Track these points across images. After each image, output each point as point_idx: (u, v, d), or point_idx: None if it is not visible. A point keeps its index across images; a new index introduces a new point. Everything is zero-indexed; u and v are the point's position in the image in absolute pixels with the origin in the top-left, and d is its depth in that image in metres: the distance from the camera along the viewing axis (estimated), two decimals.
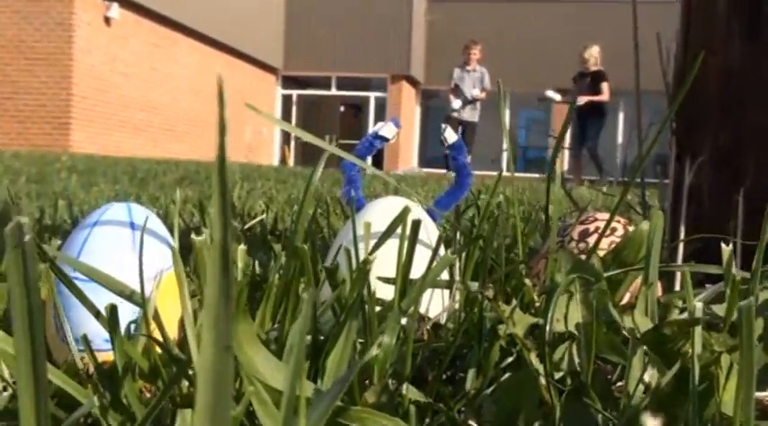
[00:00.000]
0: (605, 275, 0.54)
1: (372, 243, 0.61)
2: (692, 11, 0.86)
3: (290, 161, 20.28)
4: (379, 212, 0.64)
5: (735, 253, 0.78)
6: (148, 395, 0.54)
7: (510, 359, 0.54)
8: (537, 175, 20.42)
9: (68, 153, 11.69)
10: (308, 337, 0.55)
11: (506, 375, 0.53)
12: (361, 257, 0.56)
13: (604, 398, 0.48)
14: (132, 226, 0.62)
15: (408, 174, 12.54)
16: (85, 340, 0.54)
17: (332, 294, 0.56)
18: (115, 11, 13.67)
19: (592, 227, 0.72)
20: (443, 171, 20.58)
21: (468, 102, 10.98)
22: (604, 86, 10.39)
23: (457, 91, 10.97)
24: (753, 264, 0.51)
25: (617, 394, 0.53)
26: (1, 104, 13.31)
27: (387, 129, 0.66)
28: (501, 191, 2.78)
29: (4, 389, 0.54)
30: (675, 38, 0.92)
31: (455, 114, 11.09)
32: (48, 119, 13.33)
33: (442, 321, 0.59)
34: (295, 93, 20.39)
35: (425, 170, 20.54)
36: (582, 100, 10.24)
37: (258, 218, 0.99)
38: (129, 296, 0.54)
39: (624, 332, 0.44)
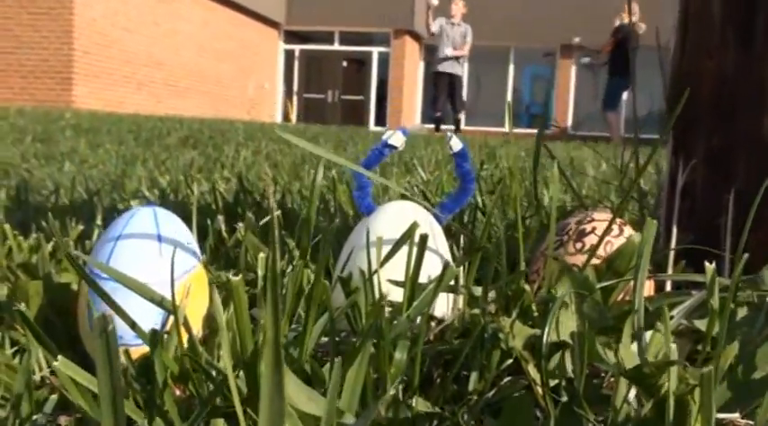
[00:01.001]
0: (598, 286, 0.59)
1: (384, 248, 0.65)
2: (688, 14, 0.89)
3: (293, 116, 20.23)
4: (389, 219, 0.68)
5: (724, 254, 0.82)
6: (178, 393, 0.59)
7: (509, 361, 0.59)
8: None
9: (72, 109, 11.69)
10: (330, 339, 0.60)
11: (507, 378, 0.58)
12: (373, 266, 0.60)
13: (597, 403, 0.53)
14: (159, 237, 0.66)
15: (412, 131, 12.56)
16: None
17: (346, 301, 0.60)
18: None
19: (589, 227, 0.76)
20: (446, 126, 20.51)
21: (449, 57, 11.25)
22: (611, 40, 10.33)
23: (440, 41, 11.39)
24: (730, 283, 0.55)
25: (608, 392, 0.58)
26: (4, 59, 13.25)
27: (395, 138, 0.70)
28: (502, 164, 2.81)
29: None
30: (673, 35, 0.95)
31: (440, 68, 11.41)
32: (51, 74, 13.29)
33: (447, 321, 0.64)
34: (297, 47, 20.24)
35: (429, 126, 20.50)
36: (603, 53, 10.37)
37: (270, 216, 1.02)
38: (160, 302, 0.59)
39: (610, 365, 0.48)
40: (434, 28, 11.10)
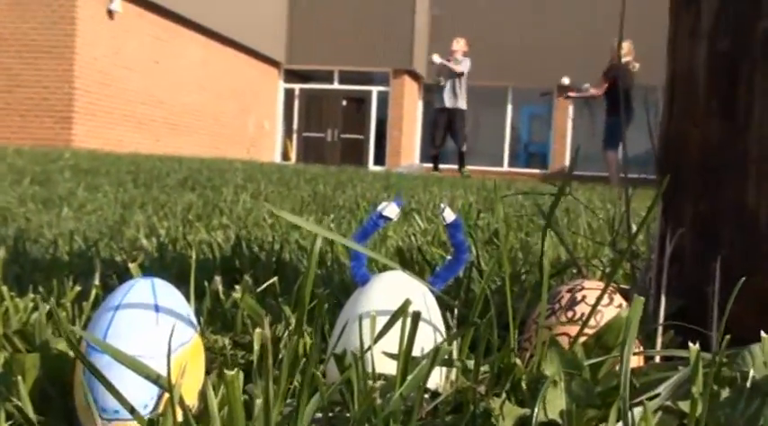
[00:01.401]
0: (587, 363, 0.60)
1: (380, 319, 0.66)
2: (675, 80, 0.91)
3: (293, 155, 20.32)
4: (383, 290, 0.70)
5: (712, 317, 0.84)
6: None
7: None
8: (538, 171, 20.46)
9: (71, 148, 11.75)
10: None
11: None
12: (366, 342, 0.61)
13: None
14: (157, 308, 0.67)
15: (410, 172, 12.60)
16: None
17: (340, 377, 0.61)
18: (118, 4, 13.71)
19: (579, 296, 0.77)
20: (445, 165, 20.61)
21: (450, 89, 11.45)
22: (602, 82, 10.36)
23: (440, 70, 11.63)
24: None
25: None
26: (3, 98, 13.35)
27: (390, 210, 0.72)
28: (496, 217, 2.82)
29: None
30: (662, 99, 0.97)
31: (438, 104, 11.66)
32: (50, 113, 13.38)
33: (441, 397, 0.65)
34: (297, 86, 20.41)
35: (427, 165, 20.58)
36: (588, 93, 10.38)
37: (270, 281, 1.03)
38: (156, 380, 0.60)
39: None
40: (435, 72, 11.41)
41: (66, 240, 2.18)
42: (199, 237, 2.25)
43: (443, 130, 11.61)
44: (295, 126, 20.34)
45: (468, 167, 20.80)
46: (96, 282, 1.09)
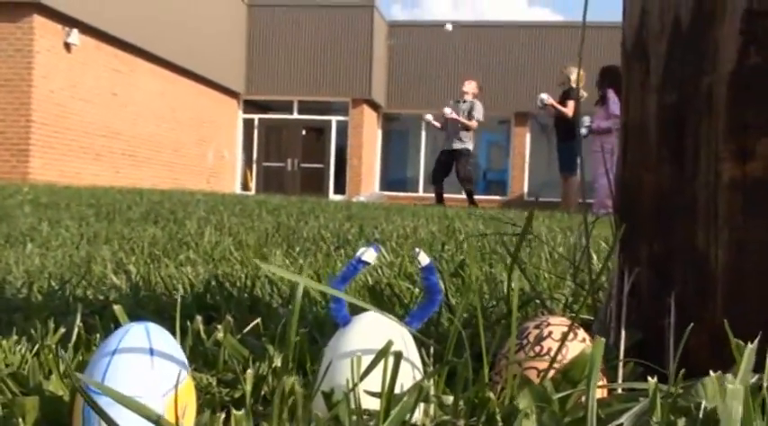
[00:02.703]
0: (556, 396, 0.66)
1: (363, 358, 0.71)
2: (628, 128, 0.98)
3: (252, 185, 20.29)
4: (364, 331, 0.75)
5: (668, 350, 0.90)
6: None
7: None
8: (498, 197, 20.67)
9: (28, 182, 11.61)
10: None
11: None
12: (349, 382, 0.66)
13: None
14: (151, 352, 0.72)
15: (370, 201, 12.69)
16: None
17: (328, 413, 0.66)
18: (75, 37, 13.66)
19: (546, 332, 0.83)
20: (404, 193, 20.71)
21: (451, 132, 11.53)
22: (569, 103, 10.45)
23: (445, 124, 11.50)
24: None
25: None
26: None
27: (368, 255, 0.77)
28: (461, 240, 2.88)
29: None
30: (617, 146, 1.04)
31: (445, 147, 11.62)
32: (6, 146, 13.23)
33: None
34: (257, 117, 20.45)
35: (387, 193, 20.70)
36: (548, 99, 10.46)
37: (253, 323, 1.07)
38: (157, 420, 0.64)
39: None
40: (447, 113, 11.42)
41: (36, 276, 2.19)
42: (168, 272, 2.27)
43: (441, 171, 11.74)
44: (255, 156, 20.34)
45: (429, 195, 20.94)
46: (78, 322, 1.12)
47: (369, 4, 19.90)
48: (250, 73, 19.77)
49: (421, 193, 20.85)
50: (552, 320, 0.85)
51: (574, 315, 0.86)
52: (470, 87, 11.72)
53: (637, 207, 0.95)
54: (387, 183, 21.47)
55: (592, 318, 1.25)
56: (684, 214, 0.88)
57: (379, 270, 2.11)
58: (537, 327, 0.85)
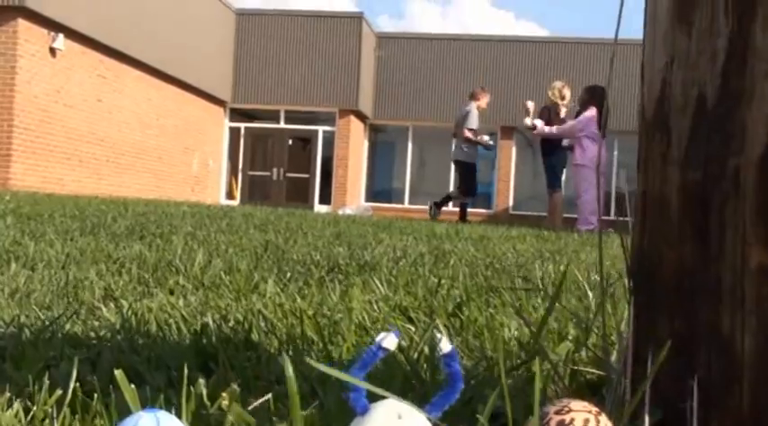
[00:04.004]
0: None
1: None
2: (647, 200, 0.96)
3: (237, 194, 20.20)
4: (382, 422, 0.72)
5: None
6: None
7: None
8: (483, 210, 20.70)
9: (9, 189, 11.49)
10: None
11: None
12: None
13: None
14: None
15: (358, 214, 12.64)
16: None
17: None
18: (60, 42, 13.55)
19: (567, 419, 0.81)
20: (389, 204, 20.71)
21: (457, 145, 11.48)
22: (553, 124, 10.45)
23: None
24: None
25: None
26: None
27: (389, 341, 0.74)
28: (455, 270, 2.81)
29: None
30: (633, 219, 1.02)
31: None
32: None
33: None
34: (243, 125, 20.37)
35: (372, 204, 20.67)
36: (537, 131, 10.43)
37: (261, 400, 1.04)
38: None
39: None
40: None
41: (24, 306, 2.14)
42: (159, 302, 2.23)
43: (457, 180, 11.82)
44: (240, 165, 20.26)
45: (413, 206, 20.97)
46: (74, 380, 1.09)
47: (357, 14, 19.92)
48: (237, 81, 19.71)
49: (406, 205, 20.86)
50: (573, 406, 0.83)
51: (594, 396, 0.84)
52: (476, 96, 11.59)
53: (657, 280, 0.93)
54: (372, 194, 21.45)
55: (601, 372, 1.23)
56: (708, 295, 0.85)
57: (374, 305, 2.07)
58: (558, 413, 0.83)
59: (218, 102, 19.52)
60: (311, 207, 19.61)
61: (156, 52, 15.96)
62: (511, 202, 20.74)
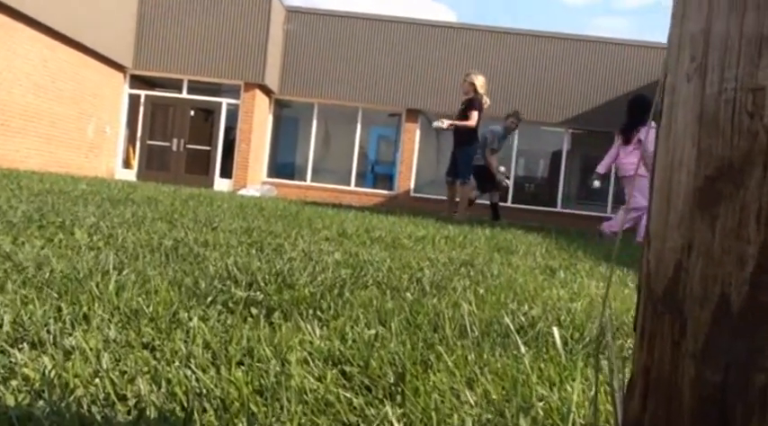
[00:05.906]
0: None
1: None
2: (651, 378, 0.93)
3: (135, 163, 19.53)
4: None
5: None
6: None
7: None
8: (385, 192, 20.77)
9: None
10: None
11: None
12: None
13: None
14: None
15: (263, 195, 12.44)
16: None
17: None
18: None
19: None
20: (291, 181, 20.52)
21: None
22: (472, 114, 10.48)
23: None
24: None
25: None
26: None
27: None
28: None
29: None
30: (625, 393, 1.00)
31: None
32: None
33: None
34: (143, 93, 19.65)
35: (274, 180, 20.41)
36: (444, 123, 10.45)
37: None
38: None
39: None
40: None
41: None
42: (79, 350, 2.09)
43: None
44: (139, 133, 19.57)
45: (315, 184, 20.91)
46: None
47: None
48: (139, 47, 18.96)
49: (309, 182, 20.69)
50: None
51: None
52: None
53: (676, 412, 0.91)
54: (275, 170, 21.17)
55: None
56: None
57: (309, 358, 2.01)
58: None
59: (119, 67, 18.74)
60: (211, 180, 19.17)
61: (53, 12, 15.14)
62: (412, 185, 20.89)
